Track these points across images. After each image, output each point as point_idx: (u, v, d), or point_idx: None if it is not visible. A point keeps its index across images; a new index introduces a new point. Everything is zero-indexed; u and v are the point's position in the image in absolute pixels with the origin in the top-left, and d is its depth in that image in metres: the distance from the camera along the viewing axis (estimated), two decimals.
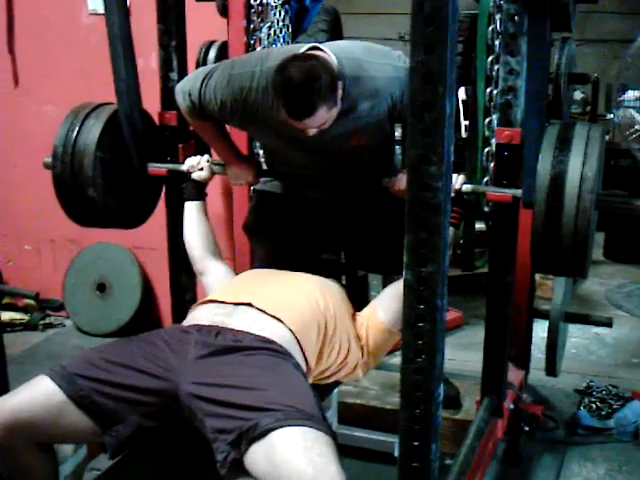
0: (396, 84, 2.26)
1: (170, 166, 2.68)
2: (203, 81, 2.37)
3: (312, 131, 2.18)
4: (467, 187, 2.31)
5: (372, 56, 2.31)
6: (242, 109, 2.33)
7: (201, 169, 2.56)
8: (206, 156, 2.58)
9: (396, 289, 2.19)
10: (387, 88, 2.27)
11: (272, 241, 2.70)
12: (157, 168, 2.67)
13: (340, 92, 2.16)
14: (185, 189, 2.60)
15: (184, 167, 2.59)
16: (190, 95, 2.41)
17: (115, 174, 2.59)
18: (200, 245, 2.49)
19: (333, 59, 2.19)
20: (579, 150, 2.05)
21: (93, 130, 2.52)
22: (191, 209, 2.55)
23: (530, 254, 2.14)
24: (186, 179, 2.59)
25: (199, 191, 2.58)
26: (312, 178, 2.54)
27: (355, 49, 2.32)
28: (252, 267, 2.68)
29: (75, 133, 2.51)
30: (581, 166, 2.02)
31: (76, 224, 2.68)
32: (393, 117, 2.35)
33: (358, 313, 2.28)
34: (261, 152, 2.89)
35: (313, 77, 2.08)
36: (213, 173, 2.58)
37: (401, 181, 2.35)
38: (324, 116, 2.13)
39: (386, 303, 2.25)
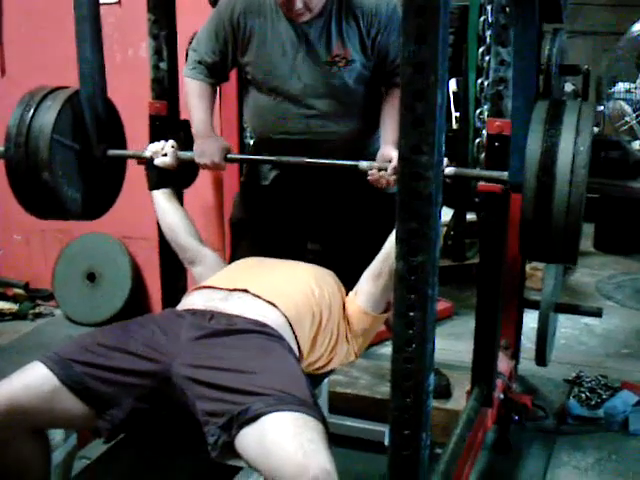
0: (382, 9, 2.43)
1: (131, 152, 2.61)
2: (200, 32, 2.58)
3: (299, 4, 2.31)
4: (450, 170, 2.25)
5: None
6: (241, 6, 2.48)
7: (165, 155, 2.47)
8: (171, 141, 2.50)
9: (371, 272, 2.20)
10: (370, 7, 2.43)
11: (258, 234, 2.70)
12: (117, 155, 2.59)
13: None
14: (148, 177, 2.51)
15: (147, 153, 2.49)
16: (197, 46, 2.55)
17: (72, 159, 2.48)
18: (184, 233, 2.44)
19: None
20: (571, 124, 1.98)
21: (50, 111, 2.40)
22: (160, 199, 2.48)
23: (519, 236, 2.07)
24: (148, 166, 2.50)
25: (164, 179, 2.48)
26: (295, 143, 2.54)
27: None
28: (236, 260, 2.65)
29: (31, 114, 2.39)
30: (573, 140, 1.94)
31: (30, 214, 2.55)
32: (372, 43, 2.45)
33: (346, 297, 2.28)
34: (249, 129, 2.90)
35: None
36: (178, 159, 2.49)
37: (381, 177, 2.33)
38: None
39: (363, 286, 2.22)
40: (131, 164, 2.62)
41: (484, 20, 3.23)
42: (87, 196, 2.56)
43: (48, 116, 2.39)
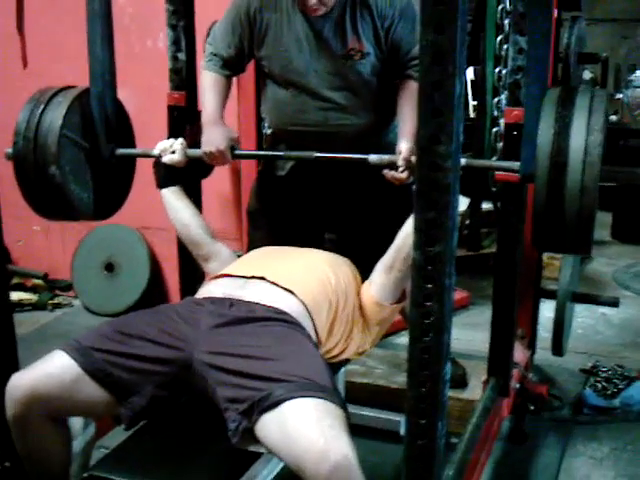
0: (396, 1, 2.43)
1: (140, 151, 2.62)
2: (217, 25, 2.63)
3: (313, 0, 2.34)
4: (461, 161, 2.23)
5: None
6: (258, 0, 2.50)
7: (173, 152, 2.47)
8: (180, 139, 2.50)
9: (384, 264, 2.20)
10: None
11: (275, 224, 2.72)
12: (126, 154, 2.59)
13: None
14: (156, 175, 2.50)
15: (155, 151, 2.49)
16: (213, 40, 2.58)
17: (81, 158, 2.46)
18: (196, 228, 2.45)
19: None
20: (583, 106, 1.92)
21: (60, 107, 2.37)
22: (170, 196, 2.48)
23: (532, 221, 2.01)
24: (156, 164, 2.49)
25: (172, 177, 2.48)
26: (312, 134, 2.55)
27: None
28: (252, 249, 2.65)
29: (41, 109, 2.36)
30: (587, 120, 1.89)
31: (36, 213, 2.49)
32: (385, 35, 2.45)
33: (362, 285, 2.28)
34: (267, 117, 2.89)
35: None
36: (187, 156, 2.48)
37: (393, 177, 2.33)
38: None
39: (376, 278, 2.22)
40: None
41: (502, 8, 3.21)
42: (95, 196, 2.53)
43: (58, 111, 2.37)
